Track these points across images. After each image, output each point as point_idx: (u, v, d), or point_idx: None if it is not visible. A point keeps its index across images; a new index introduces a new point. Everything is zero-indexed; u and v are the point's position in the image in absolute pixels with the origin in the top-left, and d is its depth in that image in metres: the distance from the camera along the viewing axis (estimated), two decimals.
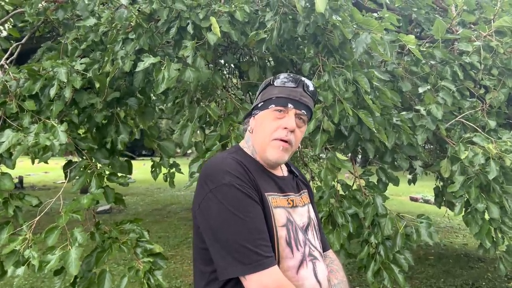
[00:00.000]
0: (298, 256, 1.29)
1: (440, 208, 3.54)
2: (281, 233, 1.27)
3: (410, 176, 4.22)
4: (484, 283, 5.78)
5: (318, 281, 1.32)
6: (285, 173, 1.50)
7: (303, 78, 1.40)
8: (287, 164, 1.56)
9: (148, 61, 2.29)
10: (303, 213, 1.42)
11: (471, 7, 3.36)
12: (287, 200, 1.38)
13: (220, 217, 1.19)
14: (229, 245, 1.17)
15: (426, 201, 12.86)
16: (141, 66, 2.28)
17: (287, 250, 1.27)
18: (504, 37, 3.00)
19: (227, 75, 5.66)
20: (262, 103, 1.40)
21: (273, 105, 1.35)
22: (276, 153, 1.34)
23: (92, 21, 2.84)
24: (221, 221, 1.19)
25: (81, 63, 2.64)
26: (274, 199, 1.31)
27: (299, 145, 1.46)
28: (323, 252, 1.51)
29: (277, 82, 1.39)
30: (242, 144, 1.48)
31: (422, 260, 6.92)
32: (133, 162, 3.09)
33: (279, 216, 1.29)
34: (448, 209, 3.65)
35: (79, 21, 3.00)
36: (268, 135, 1.35)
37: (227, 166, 1.26)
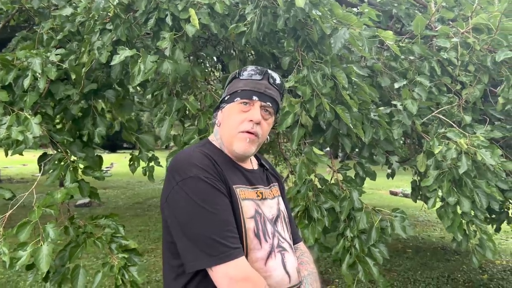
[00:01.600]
0: (267, 248, 1.31)
1: (416, 202, 3.60)
2: (249, 224, 1.28)
3: (389, 171, 4.28)
4: (459, 275, 5.92)
5: (287, 272, 1.34)
6: (255, 166, 1.51)
7: (268, 71, 1.41)
8: (257, 158, 1.57)
9: (123, 53, 2.25)
10: (273, 205, 1.43)
11: (450, 4, 3.40)
12: (256, 192, 1.39)
13: (187, 210, 1.20)
14: (196, 238, 1.18)
15: (406, 195, 13.06)
16: (116, 59, 2.25)
17: (255, 242, 1.28)
18: (480, 34, 3.04)
19: (210, 68, 5.62)
20: (228, 96, 1.41)
21: (238, 98, 1.37)
22: (243, 145, 1.35)
23: (68, 10, 2.78)
24: (187, 214, 1.19)
25: (56, 54, 2.58)
26: (242, 191, 1.32)
27: (268, 137, 1.47)
28: (294, 244, 1.53)
29: (242, 75, 1.40)
30: (211, 137, 1.48)
31: (400, 253, 7.04)
32: (114, 155, 3.06)
33: (247, 208, 1.30)
34: (424, 203, 3.71)
35: (55, 10, 2.93)
36: (234, 128, 1.35)
37: (194, 159, 1.26)
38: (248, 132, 1.34)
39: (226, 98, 1.42)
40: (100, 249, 2.35)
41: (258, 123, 1.35)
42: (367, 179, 2.90)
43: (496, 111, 3.07)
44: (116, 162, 23.62)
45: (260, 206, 1.37)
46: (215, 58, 5.36)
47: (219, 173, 1.27)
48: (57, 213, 2.16)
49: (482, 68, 3.02)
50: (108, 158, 27.69)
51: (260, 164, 1.56)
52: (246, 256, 1.24)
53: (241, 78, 1.40)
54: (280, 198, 1.53)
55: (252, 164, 1.50)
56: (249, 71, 1.40)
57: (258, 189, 1.41)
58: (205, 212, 1.18)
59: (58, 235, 2.05)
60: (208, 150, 1.36)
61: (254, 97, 1.35)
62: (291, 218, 1.60)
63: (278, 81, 1.43)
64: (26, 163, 21.38)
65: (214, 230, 1.17)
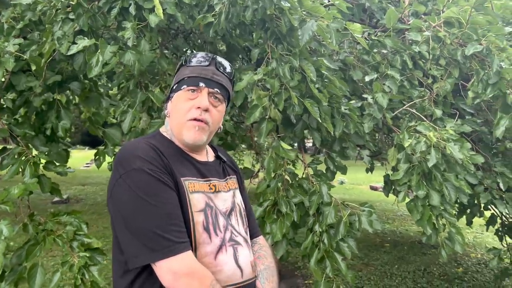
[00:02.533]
0: (217, 241, 1.27)
1: (388, 196, 3.60)
2: (198, 218, 1.24)
3: (369, 165, 4.27)
4: (435, 269, 6.00)
5: (239, 266, 1.30)
6: (211, 158, 1.46)
7: (216, 57, 1.38)
8: (214, 149, 1.52)
9: (82, 43, 2.16)
10: (227, 198, 1.39)
11: None
12: (209, 185, 1.35)
13: (130, 203, 1.16)
14: (139, 232, 1.14)
15: None
16: (74, 49, 2.16)
17: (204, 236, 1.24)
18: (452, 28, 3.03)
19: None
20: (176, 85, 1.37)
21: (185, 86, 1.33)
22: (192, 133, 1.30)
23: None
24: (130, 208, 1.15)
25: (14, 44, 2.48)
26: (191, 183, 1.28)
27: (221, 126, 1.44)
28: (253, 238, 1.50)
29: (189, 62, 1.36)
30: (162, 129, 1.43)
31: (378, 247, 7.10)
32: (94, 151, 2.96)
33: (196, 201, 1.26)
34: (396, 197, 3.71)
35: None
36: (182, 116, 1.31)
37: (139, 151, 1.22)
38: (196, 119, 1.30)
39: (174, 87, 1.38)
40: (61, 247, 2.27)
41: (206, 110, 1.31)
42: (355, 175, 2.87)
43: (467, 105, 3.07)
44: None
45: (213, 199, 1.33)
46: (188, 51, 5.27)
47: (165, 165, 1.23)
48: (12, 209, 2.07)
49: (453, 62, 3.02)
50: (88, 154, 27.26)
51: (217, 156, 1.51)
52: (195, 251, 1.21)
53: (188, 65, 1.36)
54: (237, 191, 1.49)
55: (207, 156, 1.45)
56: (198, 57, 1.36)
57: (211, 182, 1.36)
58: (147, 205, 1.14)
59: (13, 232, 1.96)
60: (156, 141, 1.31)
61: (201, 84, 1.32)
62: (250, 211, 1.56)
63: (228, 69, 1.40)
64: None
65: (157, 224, 1.13)
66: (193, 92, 1.31)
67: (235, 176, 1.53)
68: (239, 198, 1.47)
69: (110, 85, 3.57)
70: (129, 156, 1.21)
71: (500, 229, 4.32)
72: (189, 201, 1.24)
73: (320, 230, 2.53)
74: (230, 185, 1.45)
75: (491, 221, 4.09)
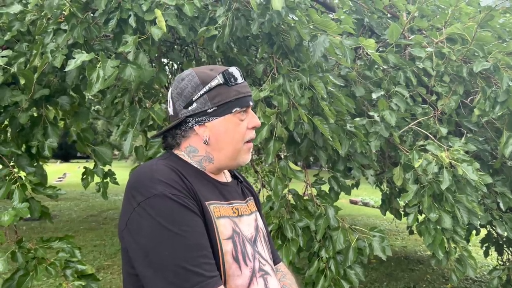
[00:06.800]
0: (247, 273, 1.13)
1: (385, 215, 3.50)
2: (227, 247, 1.10)
3: (354, 181, 4.19)
4: (424, 285, 5.95)
5: None
6: (229, 179, 1.32)
7: (238, 69, 1.23)
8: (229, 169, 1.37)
9: (80, 57, 1.99)
10: (250, 223, 1.26)
11: (424, 12, 3.34)
12: (232, 208, 1.20)
13: (152, 235, 1.00)
14: (164, 267, 0.98)
15: (365, 204, 13.23)
16: (72, 64, 1.98)
17: (234, 266, 1.10)
18: (455, 45, 2.99)
19: (169, 75, 5.35)
20: (215, 108, 1.18)
21: (237, 108, 1.19)
22: (248, 155, 1.24)
23: (17, 7, 2.49)
24: (153, 239, 1.00)
25: (2, 56, 2.29)
26: (216, 208, 1.14)
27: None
28: (274, 265, 1.35)
29: (232, 81, 1.19)
30: (176, 151, 1.24)
31: (365, 264, 7.01)
32: (67, 164, 2.78)
33: (224, 227, 1.12)
34: (395, 216, 3.64)
35: (2, 7, 2.63)
36: (241, 140, 1.20)
37: (158, 174, 1.06)
38: (251, 140, 1.23)
39: (209, 111, 1.18)
40: (53, 276, 2.08)
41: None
42: None
43: (470, 123, 3.02)
44: (69, 172, 22.56)
45: (238, 224, 1.19)
46: (175, 66, 5.11)
47: (188, 189, 1.08)
48: (3, 240, 1.87)
49: (458, 79, 2.97)
50: (60, 167, 26.44)
51: (234, 176, 1.37)
52: (225, 284, 1.07)
53: (231, 84, 1.18)
54: (258, 214, 1.35)
55: (225, 177, 1.31)
56: (237, 74, 1.20)
57: (234, 205, 1.22)
58: (173, 236, 0.99)
59: (7, 266, 1.76)
60: (173, 162, 1.16)
61: (251, 102, 1.22)
62: (269, 236, 1.43)
63: None
64: None
65: (185, 257, 0.99)
66: (243, 113, 1.21)
67: (252, 198, 1.39)
68: (261, 222, 1.34)
69: (98, 100, 3.39)
70: (147, 180, 1.05)
71: (488, 244, 4.27)
72: (216, 228, 1.10)
73: (327, 256, 2.40)
74: (250, 208, 1.32)
75: (487, 239, 4.06)
